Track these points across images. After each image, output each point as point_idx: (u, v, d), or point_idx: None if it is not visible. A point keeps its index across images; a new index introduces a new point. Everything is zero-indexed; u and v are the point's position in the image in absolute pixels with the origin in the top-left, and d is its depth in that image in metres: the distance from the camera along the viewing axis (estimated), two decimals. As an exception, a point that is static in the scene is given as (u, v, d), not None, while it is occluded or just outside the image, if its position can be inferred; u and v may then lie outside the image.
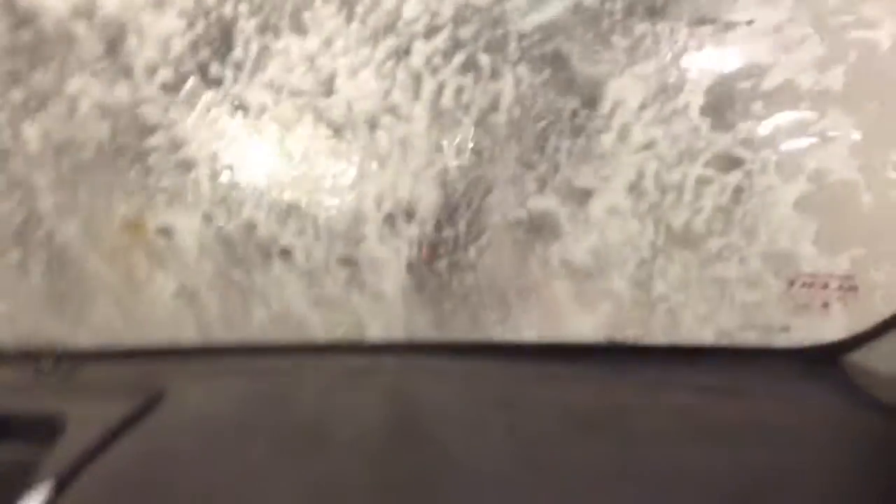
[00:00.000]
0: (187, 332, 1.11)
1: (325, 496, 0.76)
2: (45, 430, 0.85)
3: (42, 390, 0.99)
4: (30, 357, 1.06)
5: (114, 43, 1.01)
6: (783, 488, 0.73)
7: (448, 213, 0.99)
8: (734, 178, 0.88)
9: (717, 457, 0.77)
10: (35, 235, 1.12)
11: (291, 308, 1.08)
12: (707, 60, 0.90)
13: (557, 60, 0.91)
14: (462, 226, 0.99)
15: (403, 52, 0.96)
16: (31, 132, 1.06)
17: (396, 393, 0.95)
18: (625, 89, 0.89)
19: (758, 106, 0.88)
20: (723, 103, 0.88)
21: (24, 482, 0.76)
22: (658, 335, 0.96)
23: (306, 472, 0.79)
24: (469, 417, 0.88)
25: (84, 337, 1.12)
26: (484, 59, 0.94)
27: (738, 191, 0.88)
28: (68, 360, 1.05)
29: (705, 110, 0.88)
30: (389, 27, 0.96)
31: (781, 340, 0.90)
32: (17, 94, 1.06)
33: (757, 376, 0.90)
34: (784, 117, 0.87)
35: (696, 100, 0.88)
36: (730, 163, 0.88)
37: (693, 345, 0.95)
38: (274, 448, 0.84)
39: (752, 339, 0.91)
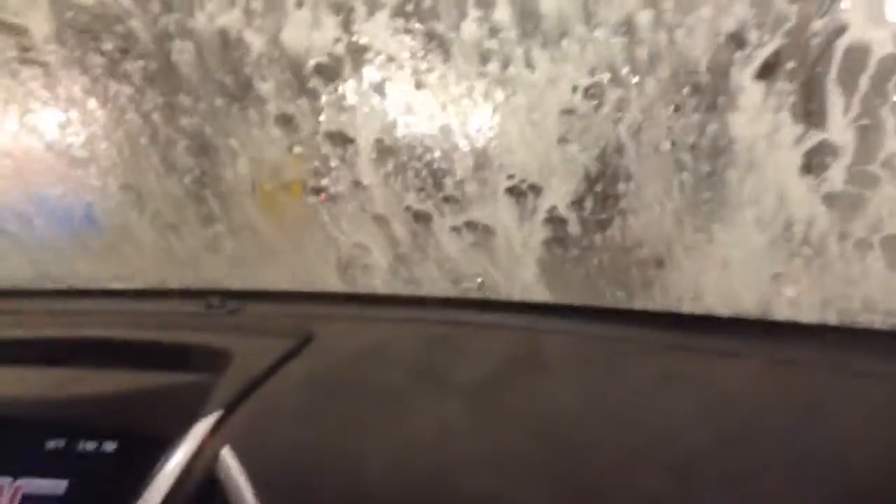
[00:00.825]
0: (332, 281, 1.23)
1: (451, 428, 0.85)
2: (215, 361, 0.97)
3: (212, 325, 1.12)
4: (201, 294, 1.21)
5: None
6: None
7: (576, 195, 1.04)
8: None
9: (830, 432, 0.78)
10: (211, 194, 1.26)
11: (425, 265, 1.17)
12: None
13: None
14: (588, 210, 1.03)
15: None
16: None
17: (515, 346, 1.02)
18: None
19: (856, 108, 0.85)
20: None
21: (199, 407, 0.88)
22: (781, 314, 0.97)
23: (436, 405, 0.88)
24: (580, 371, 0.93)
25: (246, 280, 1.25)
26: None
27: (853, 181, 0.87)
28: (233, 299, 1.19)
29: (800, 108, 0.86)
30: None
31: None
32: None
33: (878, 357, 0.90)
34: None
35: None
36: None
37: (816, 323, 0.95)
38: (407, 385, 0.93)
39: (876, 323, 0.90)
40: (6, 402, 0.93)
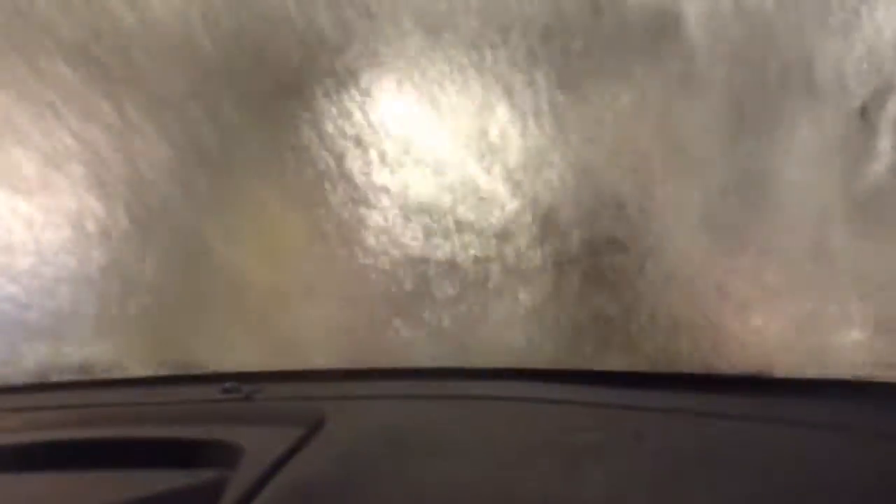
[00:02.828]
0: (343, 357, 1.23)
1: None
2: (227, 457, 0.97)
3: (225, 415, 1.13)
4: (217, 378, 1.22)
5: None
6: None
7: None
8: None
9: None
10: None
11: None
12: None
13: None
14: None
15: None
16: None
17: (518, 417, 1.01)
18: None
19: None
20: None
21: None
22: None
23: (451, 490, 0.86)
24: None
25: (258, 361, 1.26)
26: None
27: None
28: (249, 382, 1.20)
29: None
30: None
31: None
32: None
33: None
34: None
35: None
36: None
37: (835, 378, 0.93)
38: (420, 469, 0.91)
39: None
40: None
